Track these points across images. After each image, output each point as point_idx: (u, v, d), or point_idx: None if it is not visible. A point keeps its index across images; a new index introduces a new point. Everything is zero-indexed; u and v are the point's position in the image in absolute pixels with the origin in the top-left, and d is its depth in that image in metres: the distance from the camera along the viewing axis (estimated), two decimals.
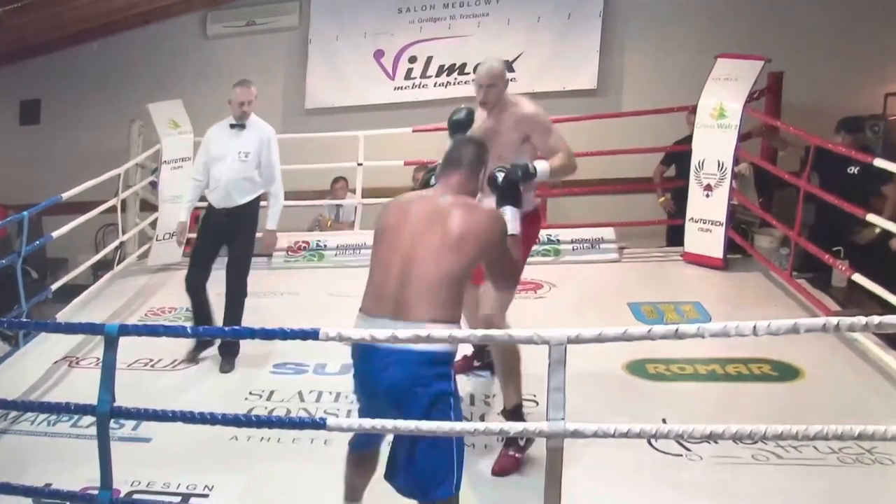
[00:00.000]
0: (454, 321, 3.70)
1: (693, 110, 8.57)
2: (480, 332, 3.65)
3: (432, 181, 4.38)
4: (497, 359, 5.00)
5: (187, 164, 8.94)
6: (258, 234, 6.84)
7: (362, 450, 4.20)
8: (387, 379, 3.66)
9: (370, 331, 3.59)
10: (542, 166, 4.77)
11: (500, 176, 4.39)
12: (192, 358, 6.62)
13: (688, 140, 8.68)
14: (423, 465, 3.72)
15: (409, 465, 3.74)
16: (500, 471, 4.82)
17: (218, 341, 6.58)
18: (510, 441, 4.88)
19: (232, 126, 6.68)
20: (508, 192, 4.36)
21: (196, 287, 6.67)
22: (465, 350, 6.01)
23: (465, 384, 5.98)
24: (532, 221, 5.19)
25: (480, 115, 5.31)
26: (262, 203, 6.90)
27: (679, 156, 8.88)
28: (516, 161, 4.60)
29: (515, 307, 5.66)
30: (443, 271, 3.66)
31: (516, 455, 4.84)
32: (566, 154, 5.00)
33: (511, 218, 4.18)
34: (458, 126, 5.21)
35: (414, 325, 3.60)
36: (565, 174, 5.09)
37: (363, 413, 3.94)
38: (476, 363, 6.12)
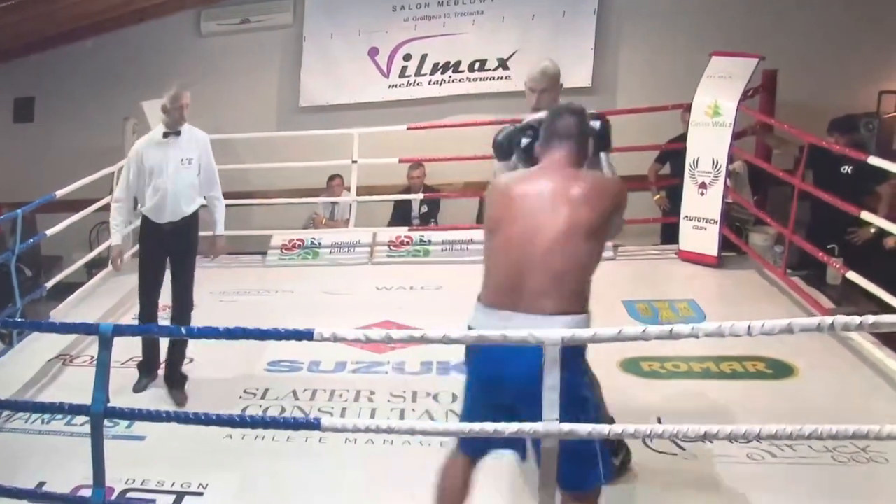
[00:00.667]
0: (585, 311, 3.55)
1: (688, 108, 8.57)
2: (475, 334, 3.63)
3: (522, 143, 4.17)
4: None
5: None
6: (206, 235, 6.58)
7: (475, 454, 3.88)
8: (517, 373, 3.49)
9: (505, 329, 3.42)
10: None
11: (599, 123, 4.18)
12: (141, 388, 6.18)
13: (682, 138, 8.69)
14: (577, 456, 3.52)
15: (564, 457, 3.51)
16: None
17: (160, 371, 6.30)
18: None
19: (166, 135, 6.20)
20: (606, 138, 4.23)
21: (152, 316, 6.26)
22: None
23: (458, 382, 5.97)
24: None
25: None
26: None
27: (674, 154, 8.89)
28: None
29: None
30: (573, 258, 3.49)
31: None
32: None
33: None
34: (500, 150, 4.64)
35: (544, 318, 3.45)
36: None
37: (472, 412, 3.74)
38: None
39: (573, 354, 3.47)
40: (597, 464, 3.55)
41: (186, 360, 6.26)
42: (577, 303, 3.52)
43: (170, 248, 6.20)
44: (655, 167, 9.25)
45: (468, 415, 3.77)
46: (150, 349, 6.29)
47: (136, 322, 6.44)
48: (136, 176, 6.23)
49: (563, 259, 3.48)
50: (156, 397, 5.95)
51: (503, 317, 3.52)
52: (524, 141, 4.19)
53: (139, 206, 6.41)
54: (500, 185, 3.78)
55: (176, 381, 6.15)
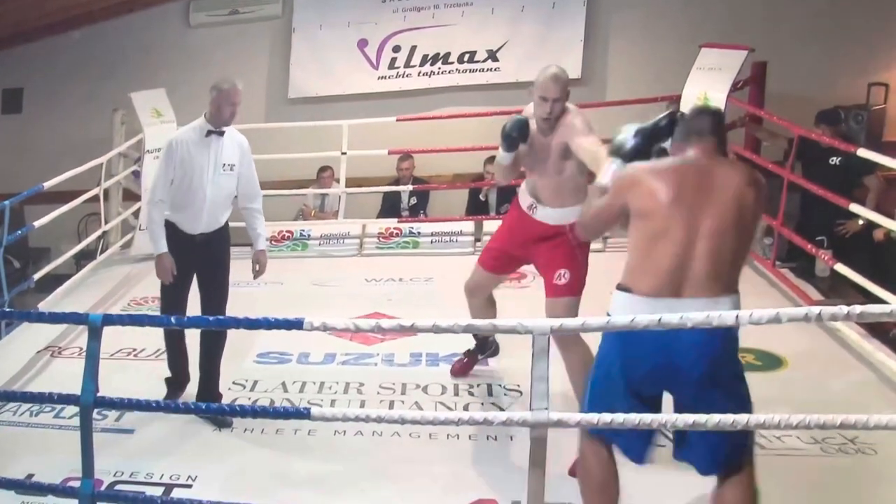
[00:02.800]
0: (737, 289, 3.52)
1: (674, 101, 8.59)
2: (464, 322, 3.63)
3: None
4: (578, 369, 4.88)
5: None
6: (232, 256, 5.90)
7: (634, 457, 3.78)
8: (694, 364, 3.44)
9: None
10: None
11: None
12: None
13: None
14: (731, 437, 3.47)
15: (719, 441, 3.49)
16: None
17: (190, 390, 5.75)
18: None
19: (209, 133, 5.44)
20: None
21: (180, 343, 5.71)
22: (466, 344, 6.01)
23: (448, 374, 5.99)
24: None
25: (532, 126, 5.00)
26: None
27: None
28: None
29: (499, 297, 5.70)
30: (739, 241, 3.49)
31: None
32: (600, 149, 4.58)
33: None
34: (516, 137, 4.95)
35: (709, 300, 3.41)
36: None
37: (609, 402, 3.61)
38: (479, 357, 6.03)
39: (732, 337, 3.50)
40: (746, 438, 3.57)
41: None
42: (735, 282, 3.53)
43: (199, 263, 5.57)
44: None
45: (603, 404, 3.62)
46: (177, 361, 5.78)
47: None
48: (176, 175, 5.42)
49: (733, 241, 3.47)
50: (150, 384, 5.94)
51: (668, 305, 3.42)
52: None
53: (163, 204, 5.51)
54: (647, 172, 3.69)
55: (212, 399, 5.45)
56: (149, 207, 5.60)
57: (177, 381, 5.78)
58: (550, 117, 4.84)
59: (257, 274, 5.80)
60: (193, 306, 5.63)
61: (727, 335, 3.44)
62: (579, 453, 3.84)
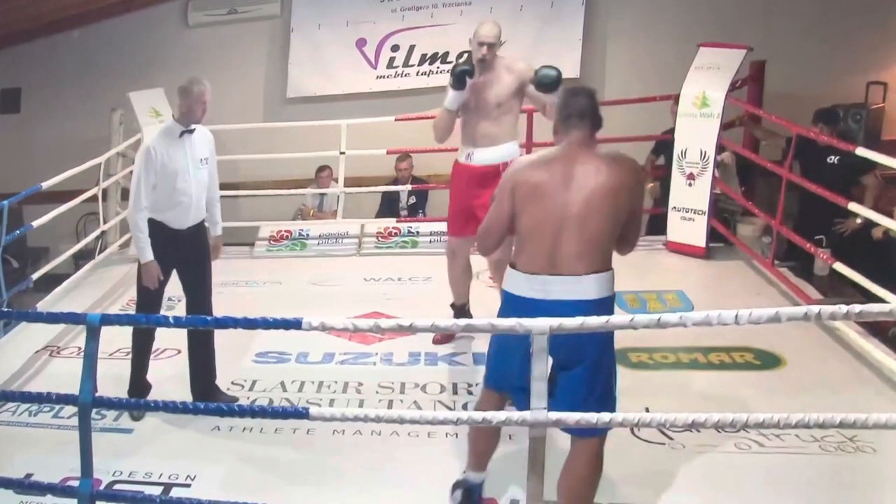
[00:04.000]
0: (610, 268, 3.91)
1: (676, 100, 8.59)
2: (463, 322, 3.64)
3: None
4: None
5: None
6: (230, 256, 6.41)
7: (499, 389, 4.19)
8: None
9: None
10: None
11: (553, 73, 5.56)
12: (139, 417, 5.49)
13: (672, 131, 8.75)
14: (598, 401, 3.78)
15: (586, 403, 3.71)
16: None
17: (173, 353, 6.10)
18: None
19: (182, 133, 5.55)
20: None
21: (149, 340, 5.78)
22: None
23: (447, 373, 6.00)
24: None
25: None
26: None
27: (667, 145, 8.93)
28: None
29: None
30: (603, 223, 3.83)
31: None
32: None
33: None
34: (464, 75, 5.83)
35: (580, 278, 3.80)
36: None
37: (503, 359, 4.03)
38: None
39: (606, 308, 3.83)
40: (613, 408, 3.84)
41: (174, 352, 6.22)
42: (605, 262, 3.89)
43: (186, 254, 5.69)
44: (651, 159, 9.27)
45: (498, 359, 4.12)
46: (143, 364, 5.76)
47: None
48: (158, 180, 5.49)
49: (596, 224, 3.82)
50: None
51: (541, 281, 3.84)
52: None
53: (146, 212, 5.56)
54: (524, 166, 4.09)
55: (214, 393, 5.69)
56: (134, 216, 5.58)
57: (142, 387, 5.69)
58: (487, 60, 5.90)
59: (214, 257, 5.96)
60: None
61: (599, 306, 3.77)
62: (479, 399, 4.36)
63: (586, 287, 3.80)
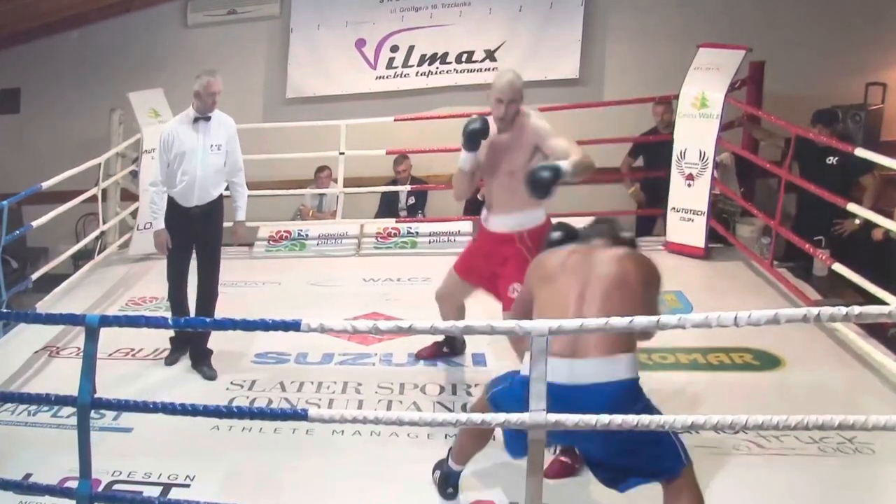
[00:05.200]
0: (635, 348, 3.85)
1: (659, 101, 8.63)
2: (462, 324, 3.64)
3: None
4: None
5: None
6: (228, 225, 6.63)
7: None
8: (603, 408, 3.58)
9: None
10: (564, 164, 4.73)
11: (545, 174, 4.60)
12: (173, 361, 6.44)
13: (653, 131, 8.78)
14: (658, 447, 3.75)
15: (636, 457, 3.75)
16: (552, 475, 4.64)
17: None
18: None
19: (196, 120, 6.29)
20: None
21: (182, 302, 6.47)
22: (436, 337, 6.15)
23: (446, 374, 6.00)
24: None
25: (493, 129, 5.29)
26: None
27: (646, 147, 8.96)
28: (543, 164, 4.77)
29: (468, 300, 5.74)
30: (626, 304, 3.77)
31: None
32: (579, 150, 4.95)
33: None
34: (476, 136, 5.22)
35: (605, 360, 3.72)
36: (586, 169, 4.86)
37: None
38: (445, 350, 6.24)
39: (636, 391, 3.82)
40: (676, 448, 3.76)
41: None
42: (630, 344, 3.80)
43: (196, 232, 6.33)
44: (628, 161, 9.33)
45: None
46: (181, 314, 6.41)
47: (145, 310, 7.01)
48: (169, 159, 6.29)
49: (620, 304, 3.76)
50: (147, 385, 5.94)
51: (569, 364, 3.71)
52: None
53: (160, 188, 6.38)
54: (543, 254, 4.21)
55: (203, 357, 6.30)
56: (150, 189, 6.50)
57: (182, 337, 6.44)
58: (505, 118, 5.18)
59: (236, 240, 6.82)
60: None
61: (624, 386, 3.73)
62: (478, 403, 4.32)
63: (615, 369, 3.72)
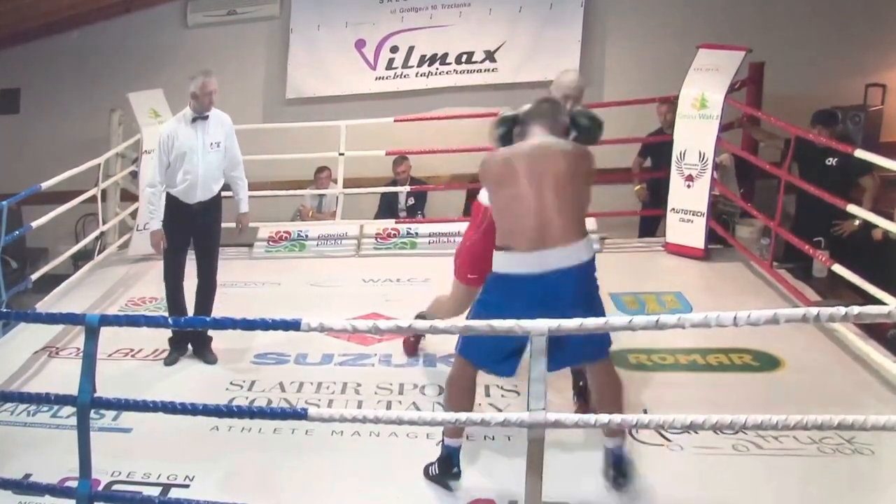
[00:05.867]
0: (587, 234, 4.35)
1: (663, 102, 8.63)
2: (461, 324, 3.64)
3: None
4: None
5: None
6: (227, 226, 6.75)
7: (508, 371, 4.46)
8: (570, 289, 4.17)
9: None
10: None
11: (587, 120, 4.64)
12: (172, 361, 6.45)
13: (659, 132, 8.77)
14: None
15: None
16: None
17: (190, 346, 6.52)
18: None
19: (194, 119, 6.41)
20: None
21: (179, 297, 6.60)
22: None
23: (445, 374, 5.98)
24: None
25: None
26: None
27: (653, 147, 8.95)
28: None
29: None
30: (578, 194, 4.30)
31: None
32: None
33: None
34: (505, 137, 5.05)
35: (568, 247, 4.17)
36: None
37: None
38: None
39: (593, 269, 4.33)
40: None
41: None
42: (583, 229, 4.32)
43: (197, 227, 6.48)
44: (639, 161, 9.33)
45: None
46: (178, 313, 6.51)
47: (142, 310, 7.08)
48: (170, 159, 6.39)
49: (573, 196, 4.25)
50: (147, 384, 5.94)
51: (539, 256, 4.16)
52: (501, 130, 4.68)
53: (158, 188, 6.48)
54: (497, 154, 4.52)
55: (204, 344, 6.45)
56: (148, 190, 6.58)
57: (180, 338, 6.49)
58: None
59: (240, 231, 6.88)
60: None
61: (585, 267, 4.25)
62: (453, 369, 4.60)
63: (579, 253, 4.19)
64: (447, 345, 6.07)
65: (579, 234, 4.24)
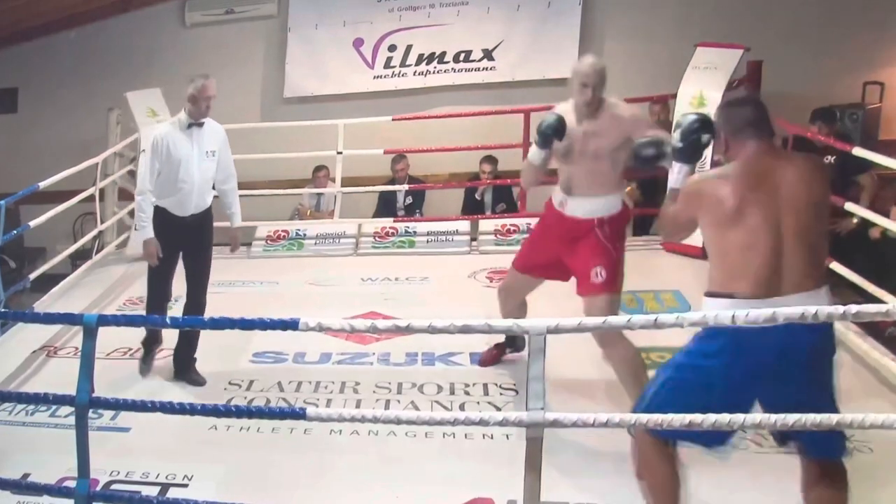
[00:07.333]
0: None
1: (656, 101, 8.63)
2: (460, 323, 3.63)
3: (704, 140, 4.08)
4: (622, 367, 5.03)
5: None
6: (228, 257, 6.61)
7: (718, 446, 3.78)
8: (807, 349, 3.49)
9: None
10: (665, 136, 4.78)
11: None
12: (145, 370, 6.24)
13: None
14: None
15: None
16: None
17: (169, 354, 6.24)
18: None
19: (190, 126, 5.94)
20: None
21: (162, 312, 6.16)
22: (495, 339, 6.09)
23: (443, 373, 6.00)
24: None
25: (569, 115, 5.16)
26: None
27: None
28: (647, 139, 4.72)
29: (493, 297, 5.72)
30: (820, 232, 3.62)
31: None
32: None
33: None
34: (551, 136, 5.06)
35: (809, 294, 3.46)
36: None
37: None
38: (508, 350, 6.14)
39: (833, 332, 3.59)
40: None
41: (168, 352, 6.24)
42: (826, 273, 3.67)
43: (188, 241, 6.07)
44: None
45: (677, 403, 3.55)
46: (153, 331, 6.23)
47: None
48: (163, 166, 5.94)
49: (815, 234, 3.56)
50: (145, 384, 5.94)
51: (772, 304, 3.36)
52: (706, 138, 4.09)
53: (148, 196, 5.99)
54: (713, 180, 3.75)
55: (188, 365, 6.11)
56: (137, 197, 6.11)
57: (153, 338, 6.26)
58: (592, 103, 5.06)
59: (234, 248, 6.52)
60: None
61: (831, 329, 3.55)
62: (640, 455, 3.85)
63: (822, 302, 3.39)
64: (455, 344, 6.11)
65: (822, 279, 3.58)
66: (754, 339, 3.41)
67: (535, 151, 5.20)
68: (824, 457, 3.66)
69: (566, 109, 5.18)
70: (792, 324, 3.25)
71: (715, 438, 3.68)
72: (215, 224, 6.29)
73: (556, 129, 5.03)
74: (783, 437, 3.75)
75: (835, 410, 3.47)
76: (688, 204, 3.83)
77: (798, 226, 3.50)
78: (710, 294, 3.67)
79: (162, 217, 6.01)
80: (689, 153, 4.09)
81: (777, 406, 3.46)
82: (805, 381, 3.50)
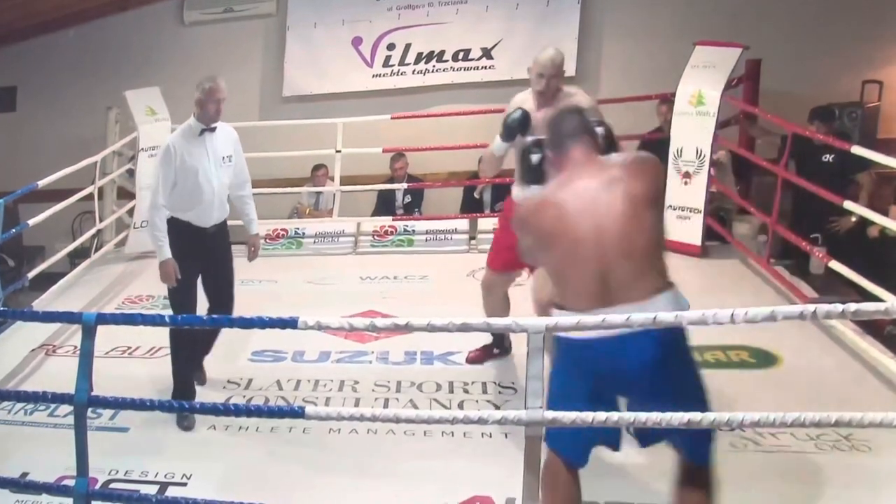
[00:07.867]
0: (673, 284, 3.57)
1: (663, 100, 8.62)
2: (459, 321, 3.63)
3: (533, 160, 4.25)
4: None
5: None
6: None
7: (579, 462, 3.66)
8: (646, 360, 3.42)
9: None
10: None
11: (602, 129, 4.08)
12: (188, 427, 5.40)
13: (658, 130, 8.76)
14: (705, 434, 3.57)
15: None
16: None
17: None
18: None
19: (202, 132, 5.60)
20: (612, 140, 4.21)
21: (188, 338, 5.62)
22: (483, 340, 6.11)
23: (442, 372, 6.00)
24: None
25: (528, 103, 5.40)
26: None
27: (651, 146, 8.94)
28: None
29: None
30: (646, 234, 3.50)
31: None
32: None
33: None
34: (515, 129, 5.23)
35: (640, 305, 3.40)
36: None
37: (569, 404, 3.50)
38: (495, 351, 6.16)
39: (682, 336, 3.54)
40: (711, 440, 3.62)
41: (168, 351, 6.20)
42: (665, 277, 3.54)
43: (210, 253, 5.74)
44: None
45: (564, 406, 3.52)
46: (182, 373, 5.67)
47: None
48: (178, 177, 5.54)
49: (639, 238, 3.46)
50: (144, 383, 5.94)
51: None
52: (535, 158, 4.24)
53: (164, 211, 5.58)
54: (542, 198, 3.70)
55: (198, 366, 5.93)
56: (151, 213, 5.64)
57: (186, 390, 5.64)
58: (546, 93, 5.32)
59: (252, 256, 6.09)
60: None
61: (667, 336, 3.45)
62: (544, 464, 3.73)
63: (655, 311, 3.35)
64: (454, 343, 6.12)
65: (658, 285, 3.51)
66: (583, 353, 3.46)
67: (498, 143, 5.39)
68: (689, 461, 3.66)
69: (525, 98, 5.46)
70: (623, 335, 3.35)
71: (574, 455, 3.63)
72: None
73: (522, 124, 5.21)
74: (644, 438, 3.70)
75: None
76: (520, 232, 3.84)
77: (620, 235, 3.44)
78: (555, 304, 3.64)
79: (186, 230, 5.62)
80: (527, 175, 4.32)
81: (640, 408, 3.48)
82: (648, 391, 3.48)
